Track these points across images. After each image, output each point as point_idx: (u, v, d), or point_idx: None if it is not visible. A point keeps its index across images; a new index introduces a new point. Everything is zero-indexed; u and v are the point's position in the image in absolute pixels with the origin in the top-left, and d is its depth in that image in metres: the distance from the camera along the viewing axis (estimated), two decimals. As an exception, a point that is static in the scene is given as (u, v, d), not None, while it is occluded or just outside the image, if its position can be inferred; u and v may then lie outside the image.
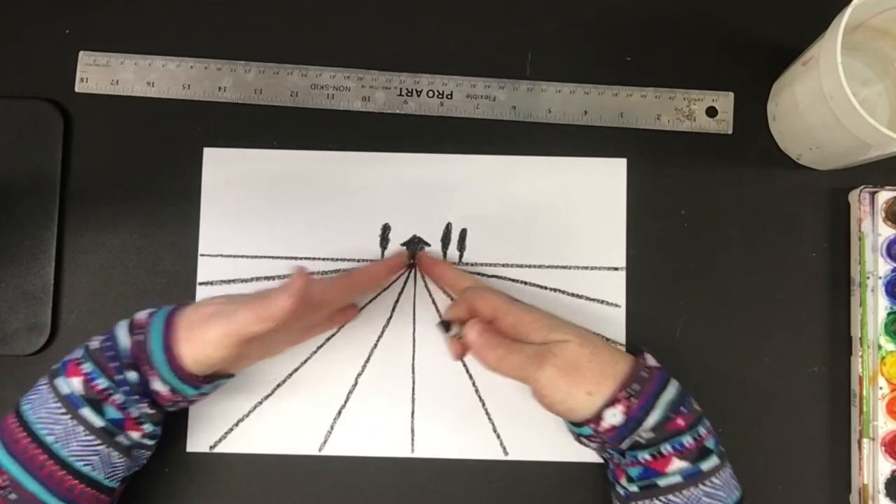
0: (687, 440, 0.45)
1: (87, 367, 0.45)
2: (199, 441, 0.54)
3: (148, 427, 0.47)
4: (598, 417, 0.45)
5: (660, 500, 0.45)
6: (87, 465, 0.45)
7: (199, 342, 0.45)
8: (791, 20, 0.56)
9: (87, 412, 0.45)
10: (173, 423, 0.54)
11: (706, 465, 0.45)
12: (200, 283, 0.55)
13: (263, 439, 0.54)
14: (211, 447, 0.54)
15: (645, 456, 0.45)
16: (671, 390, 0.46)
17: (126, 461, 0.47)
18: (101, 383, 0.45)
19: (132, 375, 0.45)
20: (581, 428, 0.47)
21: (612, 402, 0.45)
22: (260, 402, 0.54)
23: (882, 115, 0.54)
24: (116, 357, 0.45)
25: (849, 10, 0.45)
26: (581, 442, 0.49)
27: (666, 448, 0.45)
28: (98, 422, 0.45)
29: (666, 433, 0.45)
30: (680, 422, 0.45)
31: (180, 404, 0.48)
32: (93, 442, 0.45)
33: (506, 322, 0.48)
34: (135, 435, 0.47)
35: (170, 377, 0.46)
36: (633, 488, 0.46)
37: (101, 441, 0.45)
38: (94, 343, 0.46)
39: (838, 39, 0.45)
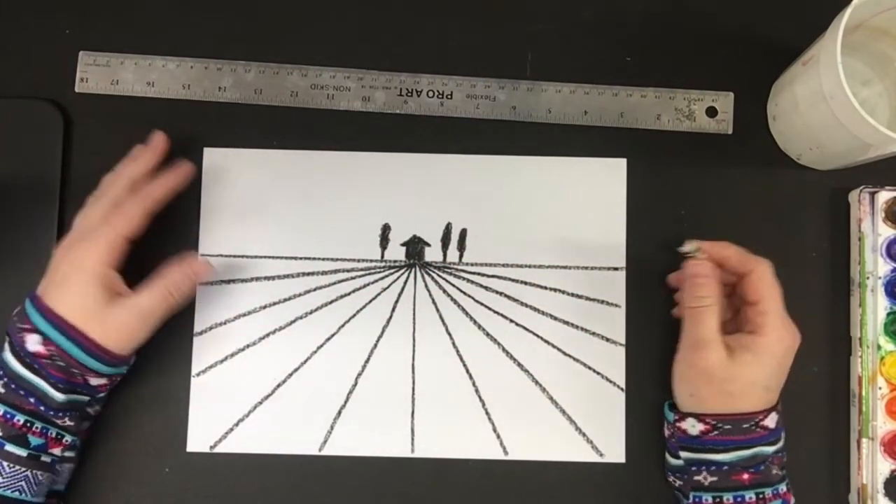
0: (750, 497, 0.47)
1: (1, 408, 0.46)
2: (199, 441, 0.54)
3: (68, 439, 0.49)
4: (685, 416, 0.48)
5: None
6: (15, 491, 0.47)
7: (113, 326, 0.48)
8: (791, 20, 0.56)
9: (10, 448, 0.46)
10: (173, 423, 0.54)
11: None
12: (200, 283, 0.55)
13: (263, 439, 0.54)
14: (211, 447, 0.54)
15: (707, 498, 0.47)
16: (750, 452, 0.47)
17: (50, 476, 0.49)
18: (20, 419, 0.46)
19: (60, 397, 0.47)
20: (667, 412, 0.50)
21: (698, 417, 0.48)
22: (260, 402, 0.54)
23: (882, 115, 0.54)
24: (27, 390, 0.47)
25: (849, 10, 0.45)
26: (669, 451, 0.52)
27: (727, 497, 0.47)
28: (22, 452, 0.47)
29: (729, 482, 0.47)
30: (744, 477, 0.47)
31: (116, 382, 0.51)
32: (19, 472, 0.47)
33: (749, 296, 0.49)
34: (57, 451, 0.48)
35: (105, 369, 0.48)
36: None
37: (27, 467, 0.47)
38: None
39: (838, 39, 0.45)
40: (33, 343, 0.47)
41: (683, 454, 0.49)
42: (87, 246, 0.48)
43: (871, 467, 0.51)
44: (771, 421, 0.48)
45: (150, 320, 0.49)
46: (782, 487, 0.48)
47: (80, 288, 0.47)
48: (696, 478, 0.48)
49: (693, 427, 0.48)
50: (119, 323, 0.48)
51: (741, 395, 0.47)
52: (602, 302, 0.55)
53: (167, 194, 0.51)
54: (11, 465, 0.46)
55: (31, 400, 0.47)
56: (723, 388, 0.47)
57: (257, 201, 0.56)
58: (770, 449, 0.48)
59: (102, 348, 0.48)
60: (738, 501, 0.47)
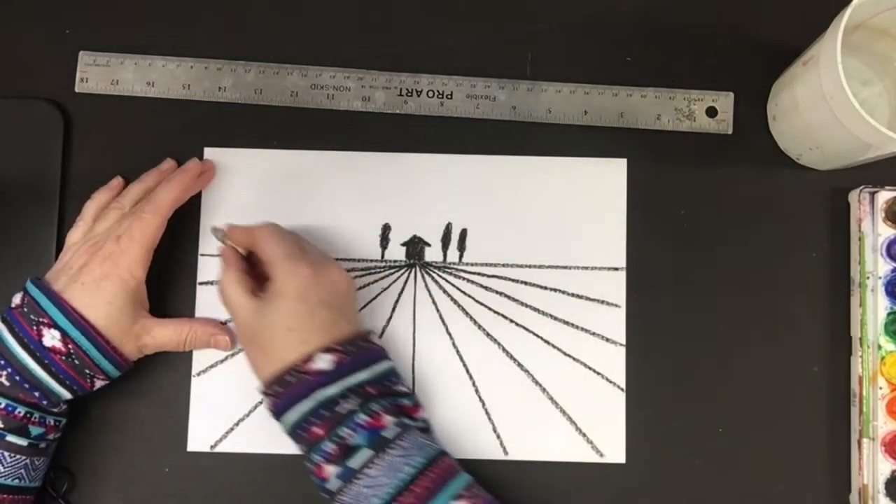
0: (329, 447, 0.45)
1: (1, 401, 0.46)
2: (199, 441, 0.54)
3: (61, 421, 0.49)
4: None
5: None
6: (16, 479, 0.47)
7: (140, 338, 0.50)
8: (791, 20, 0.56)
9: (11, 438, 0.46)
10: (173, 423, 0.54)
11: (355, 462, 0.44)
12: (200, 283, 0.55)
13: (263, 439, 0.54)
14: (211, 447, 0.54)
15: (308, 465, 0.46)
16: (305, 405, 0.45)
17: (45, 459, 0.49)
18: (21, 410, 0.47)
19: (66, 395, 0.48)
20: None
21: (260, 392, 0.47)
22: (260, 402, 0.54)
23: (882, 115, 0.54)
24: (33, 385, 0.47)
25: (849, 10, 0.45)
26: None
27: (315, 458, 0.45)
28: (23, 442, 0.47)
29: (309, 443, 0.45)
30: (318, 430, 0.45)
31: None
32: (20, 461, 0.47)
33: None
34: (52, 435, 0.49)
35: (115, 373, 0.50)
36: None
37: (27, 456, 0.47)
38: (2, 381, 0.46)
39: (838, 39, 0.45)
40: (51, 338, 0.47)
41: (281, 429, 0.47)
42: (122, 254, 0.49)
43: (871, 467, 0.51)
44: (322, 363, 0.45)
45: (159, 349, 0.52)
46: (360, 417, 0.45)
47: (112, 297, 0.48)
48: (300, 450, 0.47)
49: (266, 403, 0.47)
50: (136, 337, 0.50)
51: (269, 343, 0.46)
52: (602, 302, 0.55)
53: (189, 194, 0.53)
54: (13, 455, 0.47)
55: (36, 394, 0.47)
56: (254, 343, 0.47)
57: (257, 201, 0.56)
58: (332, 390, 0.45)
59: (121, 353, 0.49)
60: (324, 457, 0.45)
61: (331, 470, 0.45)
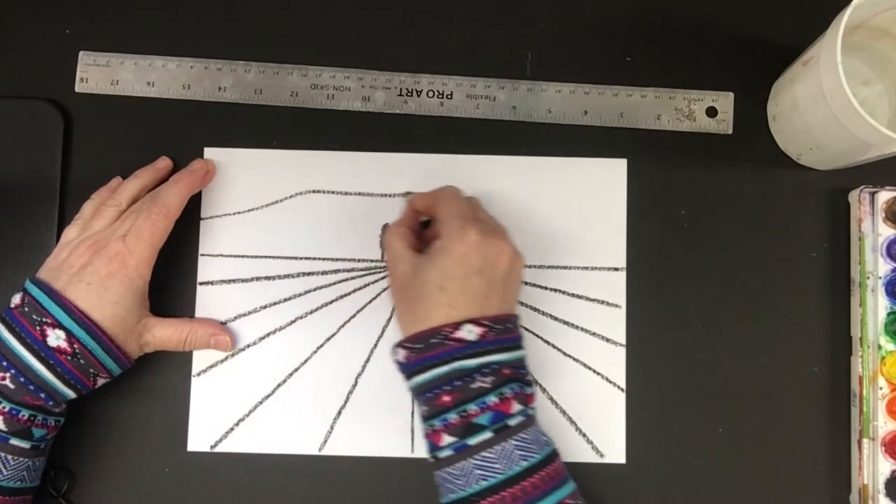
0: (452, 417, 0.45)
1: (6, 405, 0.46)
2: (199, 441, 0.54)
3: (61, 420, 0.49)
4: (395, 348, 0.47)
5: (440, 475, 0.45)
6: (18, 481, 0.47)
7: (142, 336, 0.50)
8: (791, 20, 0.56)
9: (15, 441, 0.46)
10: (173, 423, 0.54)
11: (474, 440, 0.44)
12: (200, 283, 0.55)
13: (263, 439, 0.54)
14: (211, 447, 0.54)
15: (424, 425, 0.46)
16: (440, 370, 0.45)
17: (44, 459, 0.49)
18: (25, 414, 0.46)
19: (70, 395, 0.48)
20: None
21: (401, 344, 0.46)
22: (260, 402, 0.54)
23: (882, 115, 0.54)
24: (38, 386, 0.47)
25: (849, 10, 0.45)
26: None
27: (435, 423, 0.45)
28: (26, 445, 0.47)
29: (434, 408, 0.45)
30: (446, 398, 0.45)
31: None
32: (22, 463, 0.47)
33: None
34: (51, 435, 0.49)
35: (117, 371, 0.50)
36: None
37: (29, 458, 0.47)
38: (6, 383, 0.46)
39: (838, 39, 0.45)
40: (56, 339, 0.47)
41: (407, 385, 0.47)
42: (129, 253, 0.49)
43: (871, 467, 0.51)
44: (467, 333, 0.45)
45: (159, 348, 0.52)
46: (490, 398, 0.45)
47: (119, 297, 0.48)
48: (419, 411, 0.47)
49: (400, 354, 0.46)
50: (138, 336, 0.50)
51: (419, 299, 0.46)
52: (602, 302, 0.55)
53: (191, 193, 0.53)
54: (16, 458, 0.46)
55: (42, 395, 0.47)
56: (406, 295, 0.47)
57: (257, 201, 0.56)
58: (472, 362, 0.45)
59: (124, 352, 0.49)
60: (444, 426, 0.45)
61: (448, 440, 0.45)
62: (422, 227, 0.52)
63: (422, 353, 0.45)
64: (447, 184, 0.51)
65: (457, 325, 0.45)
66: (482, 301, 0.46)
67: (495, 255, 0.47)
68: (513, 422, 0.45)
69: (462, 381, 0.45)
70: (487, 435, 0.44)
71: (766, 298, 0.55)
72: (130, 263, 0.49)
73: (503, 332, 0.46)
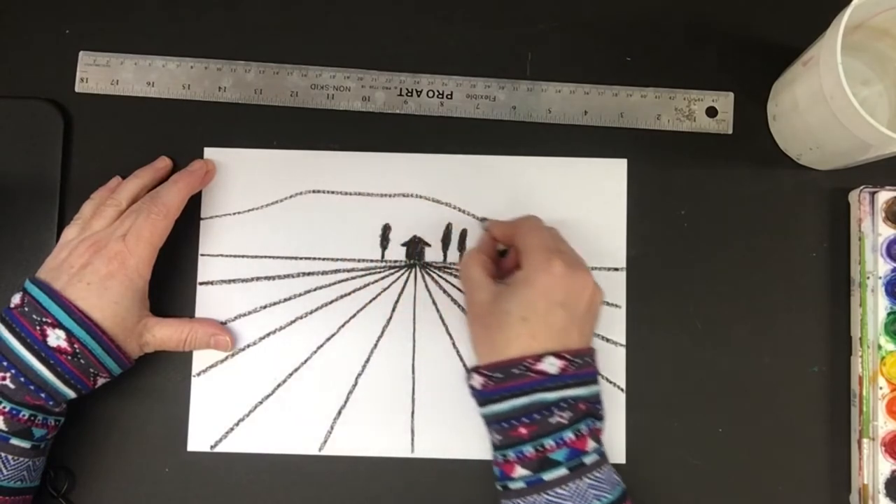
0: (528, 450, 0.45)
1: (6, 405, 0.46)
2: (199, 441, 0.54)
3: (61, 420, 0.49)
4: (470, 373, 0.47)
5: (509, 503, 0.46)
6: (18, 481, 0.47)
7: (142, 336, 0.50)
8: (791, 20, 0.56)
9: (16, 441, 0.46)
10: (173, 423, 0.54)
11: (549, 476, 0.44)
12: (200, 283, 0.55)
13: (263, 439, 0.54)
14: (211, 447, 0.54)
15: (496, 454, 0.47)
16: (519, 402, 0.45)
17: (44, 458, 0.49)
18: (26, 414, 0.46)
19: (71, 395, 0.48)
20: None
21: (476, 370, 0.47)
22: (260, 402, 0.54)
23: (882, 115, 0.54)
24: (38, 385, 0.47)
25: (849, 10, 0.45)
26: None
27: (509, 454, 0.45)
28: (26, 445, 0.47)
29: (509, 439, 0.45)
30: (523, 430, 0.45)
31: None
32: (22, 463, 0.47)
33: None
34: (51, 434, 0.49)
35: (117, 370, 0.50)
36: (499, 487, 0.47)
37: (30, 458, 0.47)
38: (7, 383, 0.46)
39: (838, 39, 0.45)
40: (56, 338, 0.47)
41: (480, 411, 0.47)
42: (130, 253, 0.49)
43: (871, 467, 0.51)
44: (549, 366, 0.45)
45: (159, 348, 0.52)
46: (567, 435, 0.45)
47: (119, 297, 0.48)
48: (491, 438, 0.47)
49: (476, 381, 0.47)
50: (138, 336, 0.50)
51: (499, 328, 0.46)
52: (602, 302, 0.55)
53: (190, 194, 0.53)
54: (16, 458, 0.46)
55: (42, 395, 0.47)
56: (484, 322, 0.47)
57: (257, 201, 0.56)
58: (551, 396, 0.45)
59: (124, 352, 0.49)
60: (518, 458, 0.45)
61: (521, 472, 0.45)
62: (498, 256, 0.52)
63: (501, 382, 0.45)
64: (528, 214, 0.51)
65: (538, 357, 0.45)
66: (563, 334, 0.46)
67: (579, 289, 0.47)
68: (588, 460, 0.45)
69: (540, 415, 0.45)
70: (563, 472, 0.44)
71: (766, 298, 0.55)
72: (130, 263, 0.49)
73: (582, 366, 0.46)
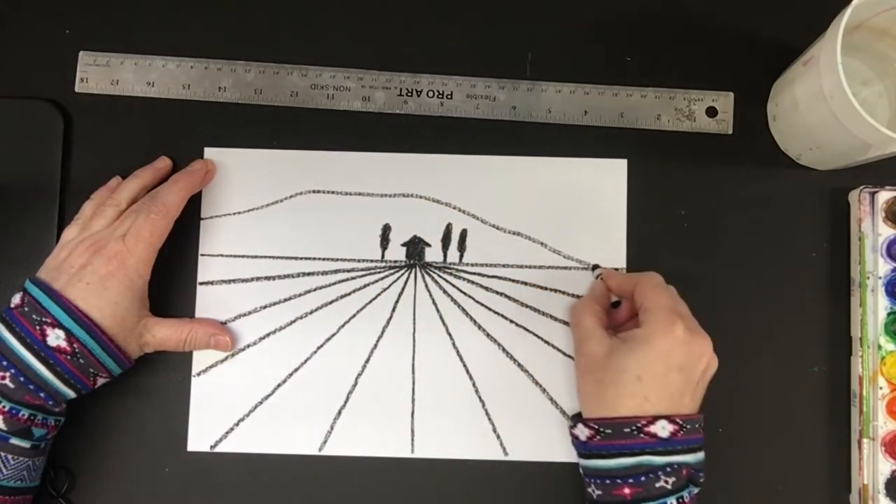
0: None
1: (6, 404, 0.46)
2: (199, 441, 0.54)
3: (61, 420, 0.49)
4: (576, 422, 0.47)
5: None
6: (19, 480, 0.47)
7: (142, 336, 0.50)
8: (791, 20, 0.56)
9: (15, 441, 0.46)
10: (173, 423, 0.54)
11: None
12: (200, 283, 0.55)
13: (263, 439, 0.54)
14: (211, 447, 0.54)
15: None
16: (627, 462, 0.45)
17: (44, 458, 0.49)
18: (25, 413, 0.46)
19: (70, 394, 0.48)
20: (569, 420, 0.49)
21: (584, 422, 0.47)
22: (260, 402, 0.54)
23: (882, 115, 0.54)
24: (37, 385, 0.47)
25: (849, 10, 0.45)
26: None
27: None
28: (26, 444, 0.47)
29: (610, 497, 0.46)
30: (626, 490, 0.45)
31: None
32: (22, 462, 0.47)
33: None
34: (51, 434, 0.49)
35: (117, 370, 0.50)
36: None
37: (29, 457, 0.47)
38: (6, 383, 0.46)
39: (838, 39, 0.45)
40: (55, 338, 0.47)
41: (581, 462, 0.48)
42: (129, 253, 0.49)
43: (871, 467, 0.51)
44: (660, 429, 0.45)
45: (159, 348, 0.52)
46: (670, 501, 0.45)
47: (119, 297, 0.48)
48: (588, 490, 0.47)
49: (582, 432, 0.47)
50: (138, 336, 0.50)
51: (612, 384, 0.46)
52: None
53: (190, 194, 0.53)
54: (16, 458, 0.47)
55: (42, 395, 0.47)
56: (596, 376, 0.47)
57: (257, 201, 0.56)
58: (659, 460, 0.45)
59: (124, 352, 0.49)
60: None
61: None
62: (610, 306, 0.52)
63: (609, 438, 0.45)
64: (650, 271, 0.51)
65: (651, 420, 0.45)
66: (677, 398, 0.46)
67: (697, 355, 0.47)
68: None
69: (646, 478, 0.45)
70: None
71: (765, 298, 0.55)
72: (130, 263, 0.49)
73: (691, 432, 0.46)
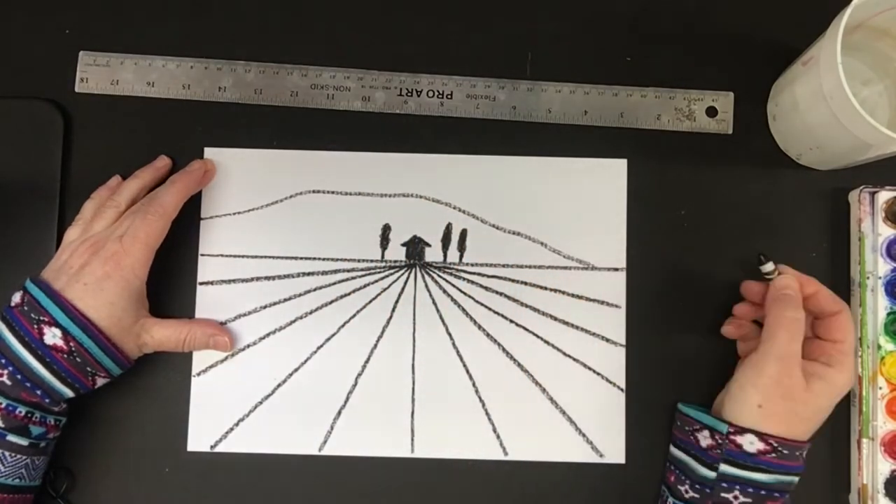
0: None
1: (2, 401, 0.46)
2: (199, 441, 0.54)
3: (62, 420, 0.49)
4: (743, 430, 0.47)
5: None
6: (17, 479, 0.47)
7: (140, 337, 0.50)
8: (791, 20, 0.56)
9: (12, 438, 0.47)
10: (173, 423, 0.54)
11: None
12: (200, 283, 0.55)
13: (263, 439, 0.54)
14: (211, 447, 0.54)
15: None
16: (789, 478, 0.47)
17: (45, 458, 0.49)
18: (22, 410, 0.47)
19: (68, 393, 0.48)
20: (718, 423, 0.48)
21: (759, 435, 0.47)
22: (260, 402, 0.54)
23: (882, 115, 0.54)
24: (34, 383, 0.47)
25: (849, 10, 0.45)
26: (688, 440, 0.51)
27: None
28: (24, 442, 0.47)
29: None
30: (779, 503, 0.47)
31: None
32: (20, 460, 0.47)
33: (826, 334, 0.49)
34: (52, 434, 0.49)
35: (116, 371, 0.50)
36: None
37: (28, 455, 0.47)
38: (3, 380, 0.46)
39: (838, 39, 0.45)
40: (52, 337, 0.47)
41: (724, 467, 0.47)
42: (125, 254, 0.49)
43: (871, 467, 0.51)
44: (805, 452, 0.48)
45: (158, 349, 0.52)
46: None
47: (115, 297, 0.48)
48: (725, 495, 0.47)
49: (751, 444, 0.47)
50: (136, 336, 0.50)
51: (807, 420, 0.47)
52: (602, 302, 0.55)
53: (188, 195, 0.53)
54: (13, 455, 0.47)
55: (38, 393, 0.47)
56: (794, 408, 0.47)
57: (257, 201, 0.56)
58: (797, 479, 0.48)
59: (122, 351, 0.49)
60: None
61: None
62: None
63: (784, 458, 0.47)
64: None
65: (808, 444, 0.48)
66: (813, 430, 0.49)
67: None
68: None
69: (788, 494, 0.48)
70: None
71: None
72: (126, 264, 0.49)
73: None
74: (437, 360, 0.54)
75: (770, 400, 0.47)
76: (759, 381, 0.47)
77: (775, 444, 0.46)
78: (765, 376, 0.47)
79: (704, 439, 0.49)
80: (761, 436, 0.46)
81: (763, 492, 0.47)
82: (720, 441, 0.48)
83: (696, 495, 0.48)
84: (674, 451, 0.52)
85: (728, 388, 0.49)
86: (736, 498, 0.47)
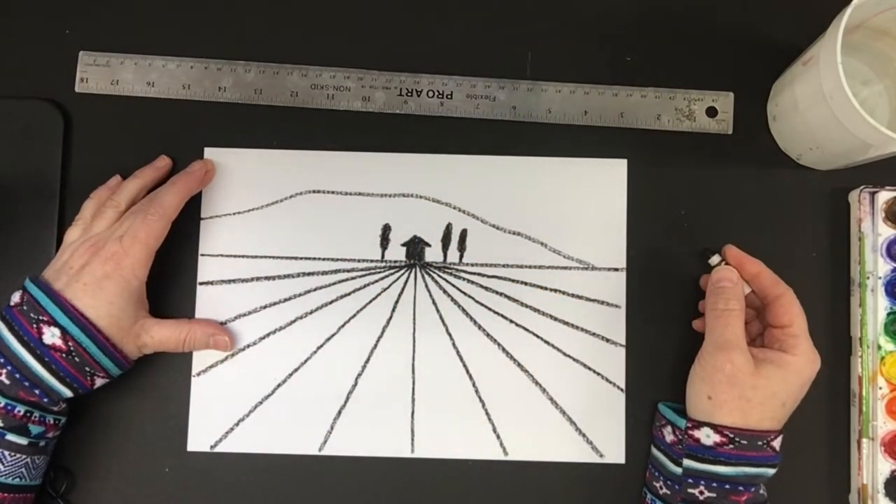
0: None
1: (1, 400, 0.46)
2: (199, 441, 0.54)
3: (61, 419, 0.49)
4: (700, 424, 0.47)
5: None
6: (16, 478, 0.47)
7: (140, 337, 0.50)
8: (791, 20, 0.56)
9: (11, 437, 0.47)
10: (173, 423, 0.54)
11: None
12: (200, 283, 0.55)
13: (263, 439, 0.54)
14: (211, 447, 0.54)
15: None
16: (756, 470, 0.47)
17: (45, 458, 0.49)
18: (21, 409, 0.47)
19: (66, 393, 0.48)
20: (678, 418, 0.49)
21: (714, 427, 0.47)
22: (260, 402, 0.54)
23: (882, 115, 0.54)
24: (33, 382, 0.47)
25: (849, 10, 0.45)
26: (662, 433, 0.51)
27: None
28: (23, 441, 0.47)
29: (726, 501, 0.47)
30: (744, 498, 0.47)
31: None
32: (20, 459, 0.47)
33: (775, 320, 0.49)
34: (52, 434, 0.49)
35: (115, 371, 0.50)
36: None
37: (27, 455, 0.47)
38: (2, 379, 0.47)
39: (838, 39, 0.45)
40: (51, 336, 0.47)
41: (687, 462, 0.48)
42: (125, 254, 0.49)
43: (871, 467, 0.51)
44: (778, 443, 0.48)
45: (158, 349, 0.52)
46: None
47: (114, 297, 0.48)
48: (691, 490, 0.47)
49: (707, 437, 0.47)
50: (136, 337, 0.50)
51: (759, 405, 0.47)
52: (602, 302, 0.55)
53: (189, 195, 0.53)
54: (13, 454, 0.47)
55: (37, 392, 0.47)
56: (743, 393, 0.47)
57: (257, 201, 0.56)
58: (770, 472, 0.48)
59: (121, 352, 0.49)
60: None
61: None
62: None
63: (743, 449, 0.47)
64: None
65: (777, 434, 0.48)
66: (783, 417, 0.49)
67: (814, 375, 0.49)
68: None
69: (756, 487, 0.47)
70: None
71: (765, 298, 0.55)
72: (125, 264, 0.49)
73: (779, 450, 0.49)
74: (437, 360, 0.55)
75: (716, 389, 0.47)
76: (703, 372, 0.48)
77: (731, 435, 0.47)
78: (708, 366, 0.48)
79: (668, 435, 0.50)
80: (716, 427, 0.47)
81: (727, 485, 0.47)
82: (680, 436, 0.49)
83: (668, 491, 0.49)
84: (651, 448, 0.52)
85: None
86: (702, 493, 0.47)
